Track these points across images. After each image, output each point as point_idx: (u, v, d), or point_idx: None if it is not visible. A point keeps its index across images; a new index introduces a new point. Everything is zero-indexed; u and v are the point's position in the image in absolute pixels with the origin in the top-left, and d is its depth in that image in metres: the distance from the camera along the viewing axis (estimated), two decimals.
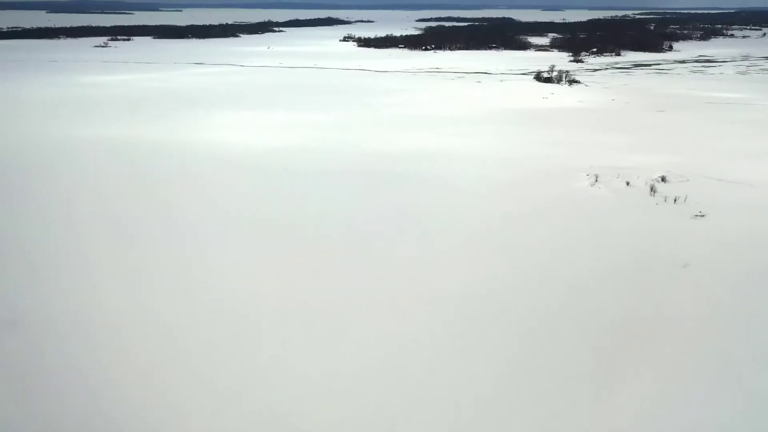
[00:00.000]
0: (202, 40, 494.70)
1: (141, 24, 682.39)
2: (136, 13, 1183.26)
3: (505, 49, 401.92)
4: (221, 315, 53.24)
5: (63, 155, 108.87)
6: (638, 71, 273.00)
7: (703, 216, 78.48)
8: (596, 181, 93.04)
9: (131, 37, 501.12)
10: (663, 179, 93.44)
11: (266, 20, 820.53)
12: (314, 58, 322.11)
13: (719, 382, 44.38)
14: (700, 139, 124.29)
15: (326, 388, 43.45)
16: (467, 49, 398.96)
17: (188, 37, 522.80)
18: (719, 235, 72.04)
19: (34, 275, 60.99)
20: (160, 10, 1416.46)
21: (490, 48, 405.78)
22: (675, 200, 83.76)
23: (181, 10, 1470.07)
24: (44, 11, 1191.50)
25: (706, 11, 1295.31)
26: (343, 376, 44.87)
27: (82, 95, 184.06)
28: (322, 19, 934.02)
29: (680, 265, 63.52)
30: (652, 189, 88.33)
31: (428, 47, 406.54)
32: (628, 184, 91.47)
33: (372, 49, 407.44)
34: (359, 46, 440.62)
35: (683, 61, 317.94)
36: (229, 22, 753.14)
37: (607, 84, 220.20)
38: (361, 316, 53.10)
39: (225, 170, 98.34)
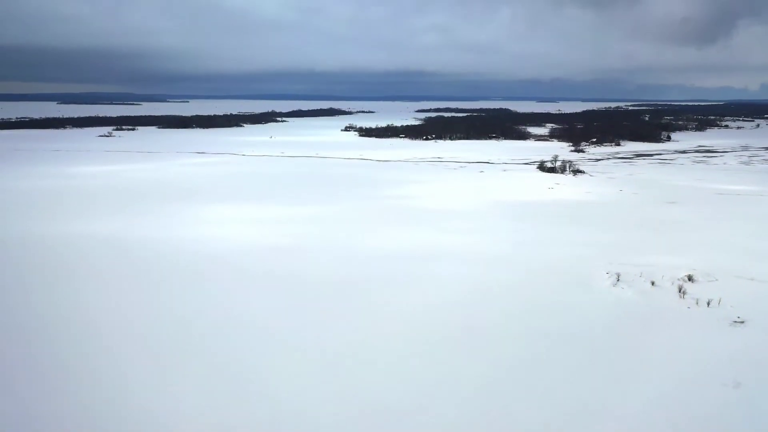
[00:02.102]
0: (205, 130, 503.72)
1: (146, 114, 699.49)
2: (144, 104, 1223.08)
3: (505, 138, 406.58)
4: None
5: (43, 252, 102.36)
6: (641, 161, 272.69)
7: (742, 322, 71.18)
8: (618, 280, 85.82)
9: (136, 127, 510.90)
10: (690, 278, 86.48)
11: (269, 110, 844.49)
12: (316, 148, 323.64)
13: None
14: (718, 234, 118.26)
15: None
16: (468, 138, 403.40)
17: (192, 127, 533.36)
18: (765, 344, 64.53)
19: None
20: (168, 101, 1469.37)
21: (490, 138, 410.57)
22: (708, 303, 76.54)
23: (187, 101, 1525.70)
24: (55, 102, 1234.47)
25: (696, 103, 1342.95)
26: None
27: (73, 186, 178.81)
28: (324, 109, 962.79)
29: (731, 386, 55.47)
30: (681, 290, 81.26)
31: (429, 137, 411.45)
32: (653, 284, 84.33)
33: (373, 139, 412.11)
34: (361, 135, 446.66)
35: (684, 151, 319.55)
36: (234, 113, 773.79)
37: (612, 174, 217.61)
38: None
39: (214, 273, 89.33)
